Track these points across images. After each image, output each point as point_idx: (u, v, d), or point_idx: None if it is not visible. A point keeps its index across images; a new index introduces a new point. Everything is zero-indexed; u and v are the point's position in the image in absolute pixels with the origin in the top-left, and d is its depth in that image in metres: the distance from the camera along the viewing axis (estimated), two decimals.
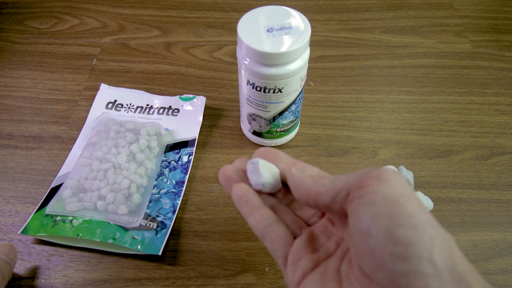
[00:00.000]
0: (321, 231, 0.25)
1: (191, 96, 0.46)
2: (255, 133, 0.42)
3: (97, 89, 0.48)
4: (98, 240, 0.35)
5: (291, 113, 0.39)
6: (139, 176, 0.38)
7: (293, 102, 0.38)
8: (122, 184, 0.37)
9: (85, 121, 0.45)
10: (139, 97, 0.47)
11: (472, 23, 0.56)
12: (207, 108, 0.46)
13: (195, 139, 0.43)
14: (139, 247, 0.35)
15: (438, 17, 0.57)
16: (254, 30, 0.33)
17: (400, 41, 0.54)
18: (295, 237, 0.25)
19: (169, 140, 0.43)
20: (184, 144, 0.43)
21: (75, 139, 0.43)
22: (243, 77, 0.36)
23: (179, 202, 0.38)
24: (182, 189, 0.39)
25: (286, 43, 0.33)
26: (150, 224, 0.36)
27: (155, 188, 0.39)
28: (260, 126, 0.40)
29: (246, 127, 0.42)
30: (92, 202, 0.37)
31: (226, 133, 0.44)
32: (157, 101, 0.46)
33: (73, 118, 0.46)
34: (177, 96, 0.46)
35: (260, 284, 0.34)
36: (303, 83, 0.37)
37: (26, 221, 0.37)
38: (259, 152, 0.27)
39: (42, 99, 0.47)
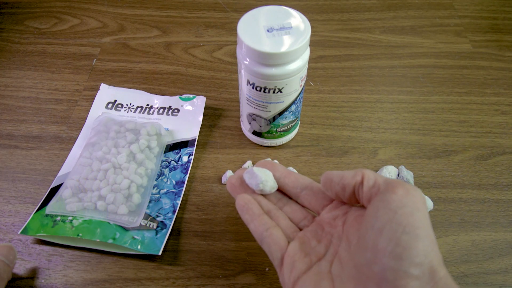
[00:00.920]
0: (312, 236, 0.28)
1: (191, 96, 0.46)
2: (255, 133, 0.42)
3: (97, 89, 0.48)
4: (98, 240, 0.35)
5: (291, 113, 0.39)
6: (139, 176, 0.38)
7: (293, 102, 0.38)
8: (122, 184, 0.37)
9: (85, 121, 0.45)
10: (139, 97, 0.47)
11: (472, 23, 0.56)
12: (207, 108, 0.46)
13: (195, 139, 0.43)
14: (139, 247, 0.35)
15: (438, 17, 0.57)
16: (254, 30, 0.33)
17: (400, 41, 0.54)
18: (289, 241, 0.28)
19: (169, 140, 0.43)
20: (184, 144, 0.43)
21: (75, 139, 0.43)
22: (243, 77, 0.36)
23: (179, 202, 0.38)
24: (182, 189, 0.39)
25: (286, 43, 0.33)
26: (150, 224, 0.36)
27: (155, 188, 0.39)
28: (260, 126, 0.40)
29: (246, 127, 0.42)
30: (92, 202, 0.37)
31: (226, 133, 0.44)
32: (157, 101, 0.46)
33: (73, 118, 0.46)
34: (177, 96, 0.46)
35: (260, 284, 0.34)
36: (303, 83, 0.37)
37: (26, 221, 0.37)
38: (258, 164, 0.32)
39: (42, 99, 0.47)
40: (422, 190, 0.39)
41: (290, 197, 0.32)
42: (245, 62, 0.35)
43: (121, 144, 0.40)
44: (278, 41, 0.33)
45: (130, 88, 0.48)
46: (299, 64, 0.34)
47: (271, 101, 0.37)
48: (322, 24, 0.56)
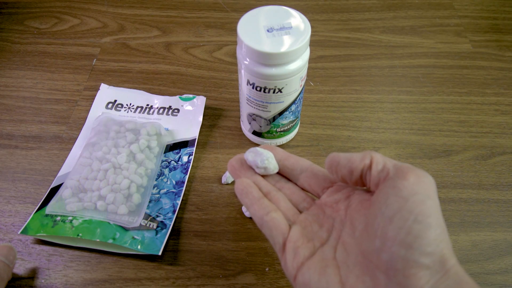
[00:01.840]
0: (313, 220, 0.28)
1: (191, 96, 0.46)
2: (255, 133, 0.42)
3: (97, 89, 0.48)
4: (98, 240, 0.35)
5: (291, 113, 0.39)
6: (139, 176, 0.38)
7: (293, 102, 0.38)
8: (122, 184, 0.37)
9: (85, 121, 0.45)
10: (139, 97, 0.47)
11: (472, 23, 0.56)
12: (207, 108, 0.46)
13: (195, 139, 0.43)
14: (139, 247, 0.35)
15: (438, 17, 0.57)
16: (254, 30, 0.33)
17: (400, 41, 0.54)
18: (290, 225, 0.28)
19: (169, 140, 0.43)
20: (184, 144, 0.43)
21: (75, 139, 0.43)
22: (243, 77, 0.36)
23: (179, 202, 0.38)
24: (182, 189, 0.39)
25: (286, 43, 0.33)
26: (150, 224, 0.36)
27: (155, 188, 0.39)
28: (260, 126, 0.40)
29: (246, 127, 0.42)
30: (92, 202, 0.37)
31: (226, 133, 0.44)
32: (157, 101, 0.46)
33: (73, 118, 0.46)
34: (177, 96, 0.46)
35: (260, 284, 0.34)
36: (303, 83, 0.37)
37: (26, 221, 0.37)
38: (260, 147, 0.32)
39: (42, 99, 0.47)
40: None
41: (289, 180, 0.31)
42: (245, 62, 0.35)
43: (121, 144, 0.40)
44: (278, 41, 0.33)
45: (130, 88, 0.48)
46: (299, 64, 0.34)
47: (271, 101, 0.37)
48: (322, 24, 0.56)
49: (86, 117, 0.45)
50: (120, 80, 0.49)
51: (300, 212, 0.29)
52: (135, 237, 0.35)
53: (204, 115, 0.45)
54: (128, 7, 0.58)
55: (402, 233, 0.21)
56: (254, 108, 0.38)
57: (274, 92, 0.36)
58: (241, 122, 0.44)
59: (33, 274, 0.35)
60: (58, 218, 0.36)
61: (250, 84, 0.36)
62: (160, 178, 0.40)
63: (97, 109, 0.46)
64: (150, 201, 0.38)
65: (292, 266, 0.26)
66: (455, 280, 0.21)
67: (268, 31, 0.33)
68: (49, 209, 0.37)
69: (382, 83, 0.49)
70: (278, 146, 0.43)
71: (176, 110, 0.45)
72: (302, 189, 0.31)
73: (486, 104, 0.47)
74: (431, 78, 0.50)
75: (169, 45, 0.53)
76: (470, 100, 0.48)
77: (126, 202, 0.37)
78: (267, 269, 0.35)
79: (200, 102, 0.46)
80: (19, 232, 0.36)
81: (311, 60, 0.50)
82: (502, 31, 0.55)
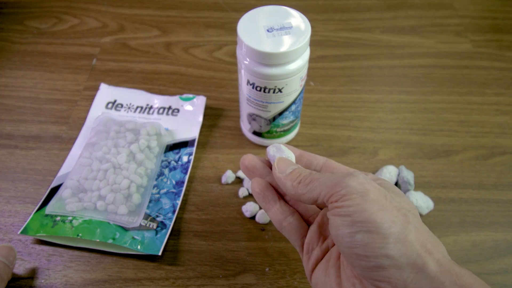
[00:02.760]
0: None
1: (191, 96, 0.46)
2: (255, 133, 0.42)
3: (97, 89, 0.48)
4: (98, 240, 0.35)
5: (291, 113, 0.39)
6: (139, 176, 0.38)
7: (293, 102, 0.38)
8: (122, 184, 0.37)
9: (85, 121, 0.45)
10: (139, 97, 0.47)
11: (472, 23, 0.56)
12: (207, 108, 0.46)
13: (195, 139, 0.43)
14: (139, 247, 0.35)
15: (438, 17, 0.57)
16: (254, 30, 0.33)
17: (400, 41, 0.54)
18: (308, 226, 0.29)
19: (169, 140, 0.43)
20: (184, 144, 0.42)
21: (75, 139, 0.43)
22: (243, 77, 0.36)
23: (179, 202, 0.38)
24: (182, 189, 0.39)
25: (286, 43, 0.33)
26: (150, 224, 0.36)
27: (155, 188, 0.39)
28: (260, 126, 0.40)
29: (246, 127, 0.42)
30: (92, 202, 0.37)
31: (226, 133, 0.44)
32: (157, 101, 0.46)
33: (73, 118, 0.46)
34: (177, 96, 0.46)
35: (260, 284, 0.34)
36: (303, 83, 0.37)
37: (26, 221, 0.37)
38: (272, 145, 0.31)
39: (42, 99, 0.47)
40: (422, 190, 0.39)
41: None
42: (245, 62, 0.34)
43: (121, 144, 0.40)
44: (278, 41, 0.33)
45: (130, 88, 0.48)
46: (299, 64, 0.34)
47: (271, 101, 0.37)
48: (322, 24, 0.56)
49: (86, 117, 0.45)
50: (120, 80, 0.49)
51: (321, 208, 0.29)
52: (135, 237, 0.35)
53: (204, 115, 0.45)
54: (128, 7, 0.58)
55: (352, 248, 0.22)
56: (254, 108, 0.38)
57: (274, 92, 0.36)
58: (241, 122, 0.44)
59: (33, 274, 0.35)
60: (58, 218, 0.36)
61: (250, 84, 0.36)
62: (160, 178, 0.40)
63: (97, 109, 0.46)
64: (150, 201, 0.38)
65: (308, 268, 0.27)
66: (440, 271, 0.21)
67: (268, 31, 0.33)
68: (49, 209, 0.37)
69: (382, 83, 0.49)
70: None
71: (176, 110, 0.45)
72: None
73: (486, 104, 0.47)
74: (432, 78, 0.50)
75: (169, 45, 0.53)
76: (470, 100, 0.48)
77: (126, 202, 0.37)
78: (267, 269, 0.35)
79: (200, 102, 0.45)
80: (19, 232, 0.36)
81: (311, 60, 0.50)
82: (502, 31, 0.55)
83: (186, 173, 0.40)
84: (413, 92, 0.48)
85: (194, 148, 0.42)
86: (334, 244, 0.27)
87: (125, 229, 0.36)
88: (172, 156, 0.42)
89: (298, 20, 0.34)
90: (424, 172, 0.41)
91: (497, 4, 0.59)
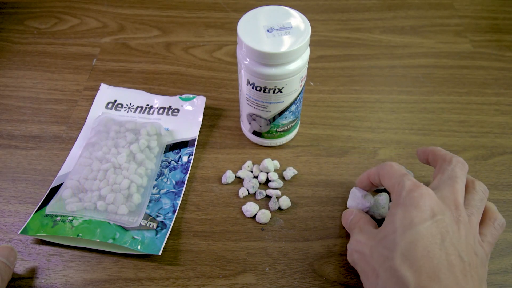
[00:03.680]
0: None
1: (191, 96, 0.46)
2: (255, 133, 0.42)
3: (97, 89, 0.48)
4: (98, 240, 0.35)
5: (291, 113, 0.39)
6: (139, 176, 0.38)
7: (293, 102, 0.38)
8: (122, 184, 0.37)
9: (85, 121, 0.45)
10: (139, 97, 0.47)
11: (472, 23, 0.56)
12: (207, 108, 0.46)
13: (195, 139, 0.43)
14: (139, 247, 0.35)
15: (438, 17, 0.57)
16: (254, 30, 0.33)
17: (400, 41, 0.54)
18: None
19: (169, 140, 0.43)
20: (184, 144, 0.43)
21: (75, 139, 0.43)
22: (243, 77, 0.36)
23: (179, 202, 0.38)
24: (182, 189, 0.39)
25: (286, 43, 0.33)
26: (150, 224, 0.36)
27: (155, 188, 0.39)
28: (260, 126, 0.40)
29: (246, 127, 0.42)
30: (92, 202, 0.37)
31: (226, 133, 0.44)
32: (157, 101, 0.46)
33: (73, 118, 0.46)
34: (177, 96, 0.46)
35: (260, 284, 0.34)
36: (303, 83, 0.37)
37: (26, 221, 0.37)
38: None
39: (42, 99, 0.47)
40: None
41: None
42: (245, 62, 0.35)
43: (121, 144, 0.40)
44: (278, 41, 0.33)
45: (130, 88, 0.48)
46: (299, 64, 0.34)
47: (271, 101, 0.37)
48: (322, 24, 0.56)
49: (86, 117, 0.45)
50: (120, 80, 0.49)
51: None
52: (135, 237, 0.35)
53: (204, 115, 0.45)
54: (128, 7, 0.58)
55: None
56: (254, 108, 0.38)
57: (274, 92, 0.36)
58: (241, 122, 0.44)
59: (33, 274, 0.35)
60: (58, 218, 0.36)
61: (250, 84, 0.36)
62: (160, 178, 0.40)
63: (97, 109, 0.46)
64: (150, 201, 0.38)
65: None
66: None
67: (268, 31, 0.33)
68: (49, 209, 0.37)
69: (382, 83, 0.49)
70: (278, 146, 0.43)
71: (176, 110, 0.45)
72: None
73: (486, 104, 0.47)
74: (431, 78, 0.50)
75: (169, 45, 0.53)
76: (470, 100, 0.48)
77: (126, 202, 0.37)
78: (267, 269, 0.35)
79: (200, 102, 0.45)
80: (19, 232, 0.36)
81: (311, 60, 0.50)
82: (502, 31, 0.55)
83: (186, 173, 0.40)
84: (413, 92, 0.48)
85: (194, 148, 0.42)
86: None
87: (125, 229, 0.36)
88: (172, 156, 0.42)
89: (298, 20, 0.34)
90: (424, 172, 0.41)
91: (497, 4, 0.59)
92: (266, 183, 0.40)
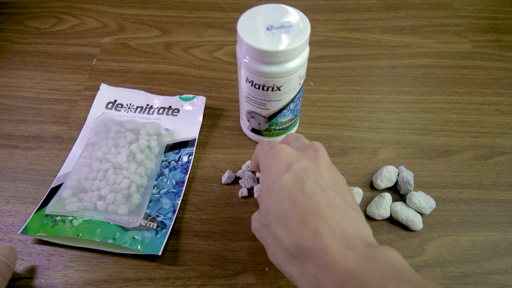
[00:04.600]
0: None
1: (191, 96, 0.46)
2: (254, 130, 0.42)
3: (97, 89, 0.48)
4: (98, 240, 0.35)
5: (289, 111, 0.39)
6: (139, 176, 0.38)
7: (292, 101, 0.38)
8: (122, 184, 0.37)
9: (85, 121, 0.45)
10: (139, 97, 0.47)
11: (472, 23, 0.56)
12: (207, 108, 0.46)
13: (195, 139, 0.43)
14: (139, 247, 0.35)
15: (438, 17, 0.57)
16: (253, 28, 0.33)
17: (400, 41, 0.54)
18: None
19: (169, 140, 0.43)
20: (184, 144, 0.43)
21: (75, 139, 0.43)
22: (243, 75, 0.36)
23: (179, 202, 0.38)
24: (182, 189, 0.39)
25: (285, 41, 0.33)
26: (150, 224, 0.36)
27: (155, 188, 0.39)
28: (259, 124, 0.40)
29: (245, 125, 0.42)
30: (92, 202, 0.37)
31: (226, 133, 0.44)
32: (157, 101, 0.46)
33: (73, 118, 0.46)
34: (177, 96, 0.46)
35: (260, 284, 0.34)
36: (302, 81, 0.37)
37: (26, 221, 0.37)
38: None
39: (42, 99, 0.47)
40: (422, 190, 0.39)
41: None
42: (245, 60, 0.35)
43: (121, 144, 0.40)
44: (277, 39, 0.33)
45: (130, 88, 0.48)
46: (298, 62, 0.34)
47: (270, 99, 0.37)
48: (322, 24, 0.56)
49: (86, 117, 0.45)
50: (120, 80, 0.49)
51: None
52: (135, 237, 0.35)
53: (204, 115, 0.45)
54: (128, 7, 0.58)
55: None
56: (253, 106, 0.38)
57: (272, 90, 0.36)
58: (240, 120, 0.44)
59: (33, 274, 0.35)
60: (58, 218, 0.36)
61: (249, 82, 0.36)
62: (160, 178, 0.40)
63: (97, 109, 0.46)
64: (150, 201, 0.38)
65: None
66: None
67: (267, 29, 0.33)
68: (49, 209, 0.37)
69: (382, 83, 0.49)
70: None
71: (176, 110, 0.45)
72: None
73: (486, 104, 0.47)
74: (431, 78, 0.50)
75: (169, 45, 0.53)
76: (470, 100, 0.48)
77: (126, 202, 0.37)
78: (267, 269, 0.35)
79: (200, 102, 0.45)
80: (19, 232, 0.36)
81: (311, 60, 0.50)
82: (502, 31, 0.55)
83: (186, 173, 0.40)
84: (413, 92, 0.48)
85: (194, 148, 0.42)
86: None
87: (125, 229, 0.36)
88: (172, 156, 0.42)
89: (297, 18, 0.34)
90: (424, 172, 0.41)
91: (497, 4, 0.59)
92: None
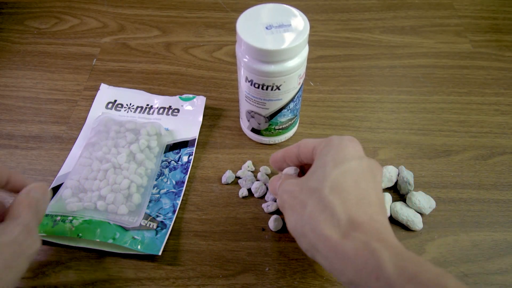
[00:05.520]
0: None
1: (191, 96, 0.46)
2: (254, 130, 0.42)
3: (97, 89, 0.48)
4: (98, 240, 0.35)
5: (289, 111, 0.39)
6: (139, 176, 0.38)
7: (291, 100, 0.38)
8: (122, 184, 0.37)
9: (85, 121, 0.45)
10: (139, 97, 0.47)
11: (472, 23, 0.56)
12: (207, 108, 0.46)
13: (195, 139, 0.43)
14: (139, 247, 0.35)
15: (438, 17, 0.57)
16: (253, 28, 0.33)
17: (400, 41, 0.54)
18: None
19: (169, 140, 0.43)
20: (184, 144, 0.43)
21: (75, 139, 0.43)
22: (242, 74, 0.36)
23: (179, 202, 0.38)
24: (182, 189, 0.39)
25: (284, 40, 0.33)
26: (150, 224, 0.36)
27: (155, 188, 0.39)
28: (259, 124, 0.40)
29: (245, 125, 0.42)
30: (92, 202, 0.37)
31: (226, 133, 0.44)
32: (157, 101, 0.46)
33: (73, 118, 0.46)
34: (177, 96, 0.46)
35: (260, 284, 0.34)
36: (301, 81, 0.37)
37: None
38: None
39: (42, 99, 0.47)
40: (422, 190, 0.39)
41: None
42: (244, 59, 0.35)
43: (121, 144, 0.40)
44: (276, 38, 0.33)
45: (130, 88, 0.48)
46: (298, 61, 0.34)
47: (269, 99, 0.37)
48: (322, 24, 0.56)
49: (86, 117, 0.45)
50: (120, 80, 0.49)
51: None
52: (135, 237, 0.35)
53: (204, 115, 0.45)
54: (128, 7, 0.58)
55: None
56: (253, 105, 0.38)
57: (272, 90, 0.36)
58: (240, 119, 0.44)
59: (33, 274, 0.35)
60: (58, 218, 0.36)
61: (249, 81, 0.36)
62: (160, 178, 0.40)
63: (97, 109, 0.46)
64: (150, 201, 0.38)
65: None
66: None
67: (266, 28, 0.33)
68: (49, 209, 0.37)
69: (382, 83, 0.49)
70: (277, 144, 0.43)
71: (176, 110, 0.45)
72: None
73: (486, 104, 0.47)
74: (431, 78, 0.50)
75: (169, 45, 0.53)
76: (470, 100, 0.48)
77: (126, 202, 0.37)
78: (267, 269, 0.35)
79: (200, 102, 0.46)
80: None
81: (311, 60, 0.50)
82: (502, 31, 0.55)
83: (186, 173, 0.40)
84: (413, 92, 0.48)
85: (194, 148, 0.42)
86: None
87: (125, 229, 0.36)
88: (172, 156, 0.42)
89: (297, 18, 0.34)
90: (424, 172, 0.41)
91: (496, 4, 0.59)
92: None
